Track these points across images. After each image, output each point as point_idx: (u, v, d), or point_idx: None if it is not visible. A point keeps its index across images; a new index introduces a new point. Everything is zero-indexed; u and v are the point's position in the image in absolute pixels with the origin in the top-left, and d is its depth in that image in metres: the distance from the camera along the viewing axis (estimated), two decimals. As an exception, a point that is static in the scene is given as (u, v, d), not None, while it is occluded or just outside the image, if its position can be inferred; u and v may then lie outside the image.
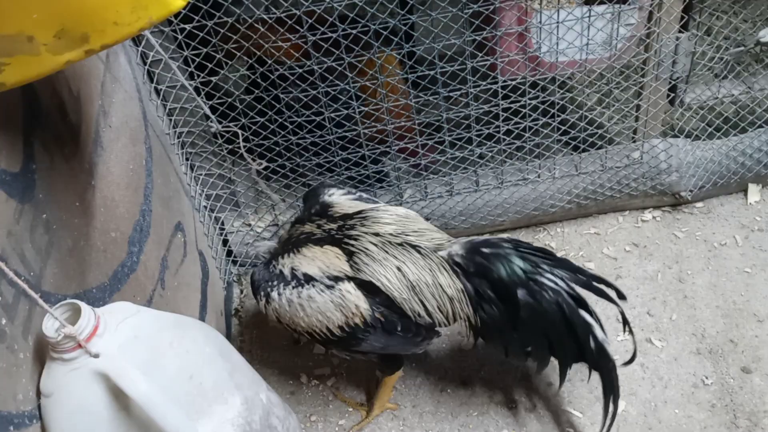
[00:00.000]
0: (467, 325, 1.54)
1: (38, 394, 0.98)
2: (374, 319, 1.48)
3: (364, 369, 1.87)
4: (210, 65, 1.63)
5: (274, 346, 1.95)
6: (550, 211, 2.06)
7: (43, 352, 0.99)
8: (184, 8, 0.90)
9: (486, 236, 1.59)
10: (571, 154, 2.04)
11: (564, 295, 1.46)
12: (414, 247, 1.51)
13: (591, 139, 1.96)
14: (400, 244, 1.51)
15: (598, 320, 1.49)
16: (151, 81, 1.67)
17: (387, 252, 1.49)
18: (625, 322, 1.59)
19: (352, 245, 1.50)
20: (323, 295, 1.46)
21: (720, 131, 2.02)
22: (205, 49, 1.60)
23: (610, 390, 1.54)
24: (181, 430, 0.97)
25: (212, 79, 1.68)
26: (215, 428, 1.06)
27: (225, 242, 2.06)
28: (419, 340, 1.56)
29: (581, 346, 1.49)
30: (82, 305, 0.97)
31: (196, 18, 1.57)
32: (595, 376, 1.56)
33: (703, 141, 2.03)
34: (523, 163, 2.01)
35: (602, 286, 1.51)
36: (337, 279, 1.47)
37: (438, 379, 1.83)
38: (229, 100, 1.71)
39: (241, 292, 2.11)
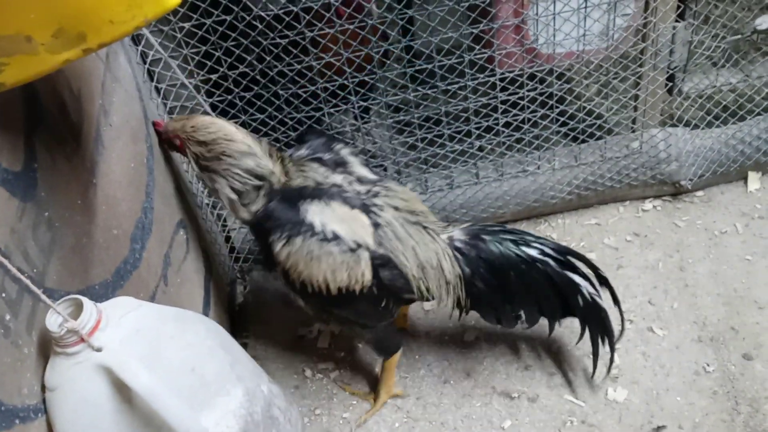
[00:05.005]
0: (454, 304, 1.62)
1: (43, 388, 1.00)
2: (369, 291, 1.51)
3: (366, 362, 1.89)
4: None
5: (278, 342, 1.97)
6: (551, 203, 2.07)
7: (47, 347, 1.01)
8: (180, 6, 0.91)
9: (479, 223, 1.67)
10: (571, 145, 2.05)
11: (550, 262, 1.57)
12: (425, 228, 1.55)
13: (590, 130, 1.96)
14: (415, 223, 1.55)
15: (586, 278, 1.61)
16: (151, 80, 1.69)
17: (406, 230, 1.53)
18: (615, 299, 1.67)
19: (379, 216, 1.52)
20: (343, 255, 1.48)
21: (719, 120, 2.02)
22: (204, 47, 1.61)
23: (604, 332, 1.66)
24: (183, 422, 0.99)
25: (211, 76, 1.69)
26: (217, 419, 1.08)
27: (228, 239, 2.07)
28: (388, 316, 1.64)
29: (568, 304, 1.63)
30: (84, 300, 0.99)
31: (195, 16, 1.58)
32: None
33: (702, 130, 2.03)
34: (523, 154, 2.01)
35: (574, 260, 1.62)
36: (359, 245, 1.49)
37: (441, 371, 1.84)
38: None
39: (245, 288, 2.12)
